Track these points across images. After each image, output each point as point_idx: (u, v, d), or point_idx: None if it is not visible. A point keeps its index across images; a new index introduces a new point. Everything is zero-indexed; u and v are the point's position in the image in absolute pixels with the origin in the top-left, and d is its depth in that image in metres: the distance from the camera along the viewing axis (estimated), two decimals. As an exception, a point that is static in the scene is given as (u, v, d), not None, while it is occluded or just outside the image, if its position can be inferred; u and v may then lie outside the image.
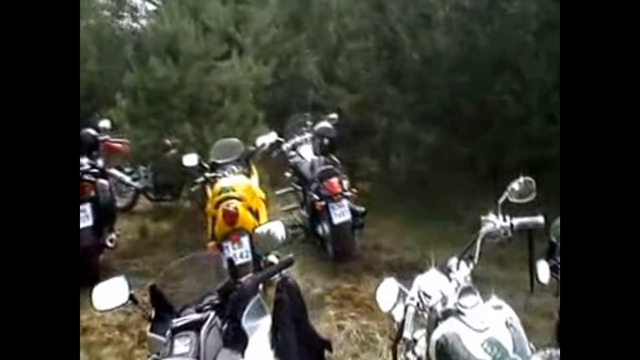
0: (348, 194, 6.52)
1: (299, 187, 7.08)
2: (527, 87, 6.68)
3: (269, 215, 7.35)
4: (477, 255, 3.51)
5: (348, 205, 6.51)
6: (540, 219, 3.61)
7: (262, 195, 5.91)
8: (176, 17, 7.22)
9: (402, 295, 3.24)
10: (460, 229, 7.17)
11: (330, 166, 6.63)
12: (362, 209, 6.75)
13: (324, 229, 6.60)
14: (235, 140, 6.05)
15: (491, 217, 3.59)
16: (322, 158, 6.77)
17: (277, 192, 7.39)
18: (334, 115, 7.33)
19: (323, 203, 6.44)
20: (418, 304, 3.21)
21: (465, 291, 3.29)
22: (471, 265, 3.48)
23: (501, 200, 3.64)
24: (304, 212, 6.99)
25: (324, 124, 6.93)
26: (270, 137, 7.13)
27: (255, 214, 5.56)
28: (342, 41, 8.23)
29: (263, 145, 6.21)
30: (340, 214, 6.39)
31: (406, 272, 6.65)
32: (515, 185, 3.82)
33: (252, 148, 6.09)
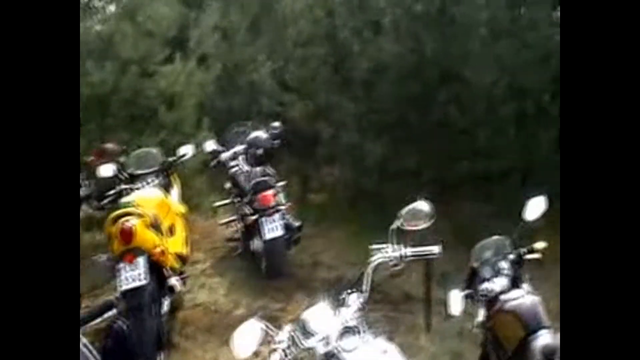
0: (282, 207, 6.18)
1: (237, 200, 6.73)
2: (473, 97, 6.32)
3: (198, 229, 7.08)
4: (367, 289, 3.18)
5: (283, 219, 6.17)
6: (435, 249, 3.27)
7: (182, 209, 5.56)
8: (114, 20, 6.90)
9: (268, 337, 2.93)
10: (407, 243, 6.85)
11: (265, 178, 6.29)
12: (298, 223, 6.42)
13: (256, 244, 6.26)
14: (154, 150, 5.71)
15: (383, 245, 3.26)
16: (258, 169, 6.43)
17: (215, 204, 7.05)
18: (276, 124, 7.00)
19: (254, 217, 6.11)
20: (289, 347, 2.88)
21: (346, 331, 2.98)
22: (361, 300, 3.16)
23: (393, 226, 3.31)
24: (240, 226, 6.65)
25: (258, 133, 6.60)
26: (208, 146, 6.83)
27: (170, 230, 5.20)
28: (296, 48, 7.88)
29: (184, 155, 5.84)
30: (272, 229, 6.06)
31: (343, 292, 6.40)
32: (408, 210, 3.49)
33: (171, 158, 5.72)
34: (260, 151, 6.38)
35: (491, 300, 4.04)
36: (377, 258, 3.19)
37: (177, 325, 5.32)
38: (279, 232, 6.06)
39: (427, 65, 6.55)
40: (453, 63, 6.41)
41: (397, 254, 3.16)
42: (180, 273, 5.23)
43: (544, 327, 3.77)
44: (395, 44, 6.58)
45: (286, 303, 5.93)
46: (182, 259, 5.28)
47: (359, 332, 2.99)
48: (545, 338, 3.74)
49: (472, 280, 4.19)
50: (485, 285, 4.03)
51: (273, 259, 6.13)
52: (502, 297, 3.95)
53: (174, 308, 5.11)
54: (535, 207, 4.23)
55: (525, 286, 4.13)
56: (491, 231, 6.73)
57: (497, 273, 4.11)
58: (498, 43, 6.39)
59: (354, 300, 3.16)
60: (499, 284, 4.05)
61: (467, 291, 4.08)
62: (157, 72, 7.16)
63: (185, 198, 7.39)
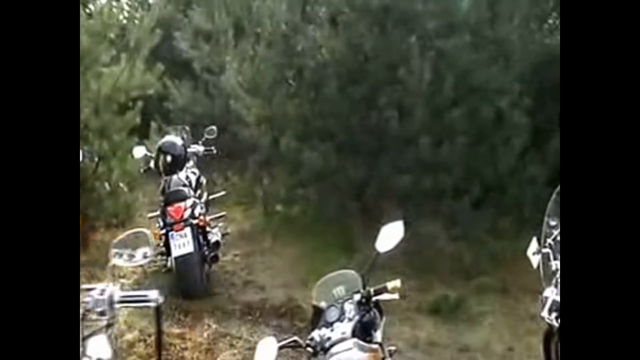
0: (194, 222, 5.59)
1: (163, 211, 6.19)
2: (414, 101, 5.57)
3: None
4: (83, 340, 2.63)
5: (196, 234, 5.60)
6: (153, 294, 2.68)
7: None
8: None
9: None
10: (352, 264, 6.17)
11: (178, 189, 5.73)
12: (217, 238, 5.84)
13: (171, 260, 5.71)
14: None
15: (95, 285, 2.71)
16: (177, 178, 5.88)
17: (149, 215, 6.53)
18: (212, 128, 6.46)
19: (162, 232, 5.57)
20: None
21: None
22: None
23: (110, 263, 2.77)
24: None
25: (169, 138, 6.04)
26: (138, 152, 6.35)
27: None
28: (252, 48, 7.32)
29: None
30: (181, 245, 5.49)
31: (264, 316, 5.75)
32: (119, 241, 2.94)
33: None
34: (169, 158, 5.79)
35: (326, 352, 3.27)
36: (85, 302, 2.61)
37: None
38: (188, 249, 5.49)
39: (368, 65, 5.83)
40: (395, 61, 5.66)
41: (104, 297, 2.55)
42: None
43: None
44: (333, 40, 5.89)
45: (189, 329, 5.35)
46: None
47: None
48: None
49: (316, 323, 3.44)
50: (314, 334, 3.25)
51: (184, 277, 5.59)
52: (332, 349, 3.18)
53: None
54: (389, 235, 3.46)
55: (378, 334, 3.36)
56: (446, 256, 6.04)
57: (342, 316, 3.35)
58: (447, 39, 5.61)
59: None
60: (338, 331, 3.27)
61: (290, 339, 3.32)
62: (101, 73, 6.75)
63: (135, 206, 7.01)
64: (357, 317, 3.29)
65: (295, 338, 3.30)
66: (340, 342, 3.19)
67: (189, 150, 6.32)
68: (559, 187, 3.90)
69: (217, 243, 5.81)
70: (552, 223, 3.86)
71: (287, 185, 6.44)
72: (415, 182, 5.67)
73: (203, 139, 6.43)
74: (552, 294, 3.58)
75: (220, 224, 6.46)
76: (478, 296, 5.80)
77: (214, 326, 5.38)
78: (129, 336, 5.16)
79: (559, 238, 3.79)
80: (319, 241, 6.78)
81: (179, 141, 5.98)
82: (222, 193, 6.60)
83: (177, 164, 5.81)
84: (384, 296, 3.35)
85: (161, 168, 5.83)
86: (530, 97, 5.71)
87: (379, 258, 3.47)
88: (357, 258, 6.17)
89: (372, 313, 3.36)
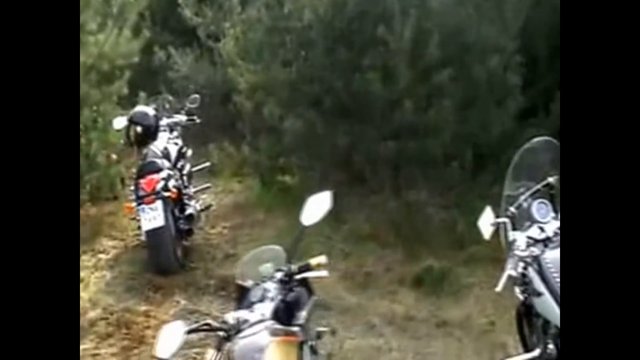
0: (166, 194, 5.30)
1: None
2: (395, 62, 5.17)
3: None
4: None
5: (168, 207, 5.32)
6: None
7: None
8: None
9: None
10: (335, 238, 5.83)
11: (153, 160, 5.46)
12: (192, 211, 5.56)
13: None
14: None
15: None
16: (154, 149, 5.61)
17: (131, 189, 6.29)
18: (194, 96, 6.17)
19: (132, 205, 5.33)
20: None
21: None
22: None
23: None
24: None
25: (140, 108, 5.77)
26: (118, 123, 6.08)
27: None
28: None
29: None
30: (151, 218, 5.23)
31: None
32: None
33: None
34: (139, 129, 5.52)
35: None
36: None
37: None
38: (159, 223, 5.22)
39: (353, 25, 5.44)
40: (378, 18, 5.26)
41: None
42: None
43: None
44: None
45: (156, 305, 5.10)
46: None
47: None
48: None
49: (241, 303, 3.13)
50: (228, 316, 2.94)
51: (155, 251, 5.35)
52: (241, 333, 2.86)
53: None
54: (316, 207, 3.13)
55: (302, 315, 3.04)
56: (437, 226, 5.63)
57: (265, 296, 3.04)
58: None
59: None
60: (258, 312, 2.95)
61: (200, 323, 3.03)
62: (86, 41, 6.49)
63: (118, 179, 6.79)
64: (279, 297, 2.99)
65: (208, 321, 3.02)
66: (256, 324, 2.88)
67: (170, 120, 6.07)
68: (522, 149, 3.50)
69: (190, 216, 5.54)
70: (516, 190, 3.45)
71: (273, 153, 6.09)
72: (402, 148, 5.27)
73: (186, 108, 6.14)
74: (507, 267, 3.21)
75: (204, 196, 6.20)
76: (466, 267, 5.35)
77: (182, 302, 5.12)
78: (91, 314, 4.94)
79: (524, 205, 3.40)
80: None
81: (150, 111, 5.71)
82: (207, 164, 6.33)
83: (149, 134, 5.55)
84: (311, 273, 3.05)
85: (132, 140, 5.58)
86: (526, 55, 5.26)
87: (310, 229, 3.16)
88: (344, 229, 5.89)
89: (296, 292, 3.05)
